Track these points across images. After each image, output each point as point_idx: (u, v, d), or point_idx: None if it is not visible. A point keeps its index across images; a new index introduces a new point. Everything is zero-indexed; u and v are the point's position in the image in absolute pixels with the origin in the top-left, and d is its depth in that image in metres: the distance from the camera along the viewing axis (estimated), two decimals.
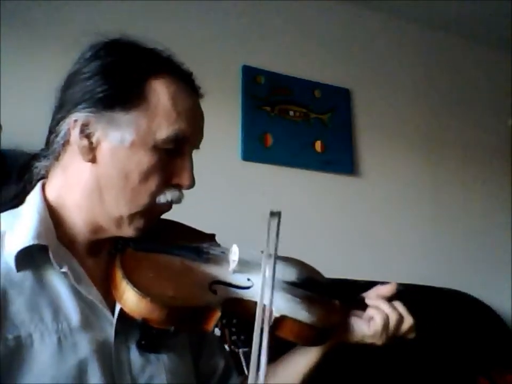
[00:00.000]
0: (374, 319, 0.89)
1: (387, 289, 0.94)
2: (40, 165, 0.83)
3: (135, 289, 0.73)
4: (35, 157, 0.84)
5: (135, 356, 0.76)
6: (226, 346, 1.27)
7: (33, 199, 0.80)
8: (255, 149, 2.28)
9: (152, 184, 0.78)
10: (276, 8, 2.49)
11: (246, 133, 2.28)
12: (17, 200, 0.82)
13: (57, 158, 0.81)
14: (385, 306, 0.89)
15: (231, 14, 2.39)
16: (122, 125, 0.76)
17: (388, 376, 1.93)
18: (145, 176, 0.77)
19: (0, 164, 1.06)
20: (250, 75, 2.35)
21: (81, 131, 0.76)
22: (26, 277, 0.72)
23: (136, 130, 0.76)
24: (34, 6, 1.97)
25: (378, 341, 0.89)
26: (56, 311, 0.71)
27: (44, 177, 0.83)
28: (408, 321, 0.90)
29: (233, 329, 1.73)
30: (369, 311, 0.90)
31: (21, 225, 0.75)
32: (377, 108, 2.63)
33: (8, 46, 1.87)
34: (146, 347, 0.76)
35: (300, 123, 2.41)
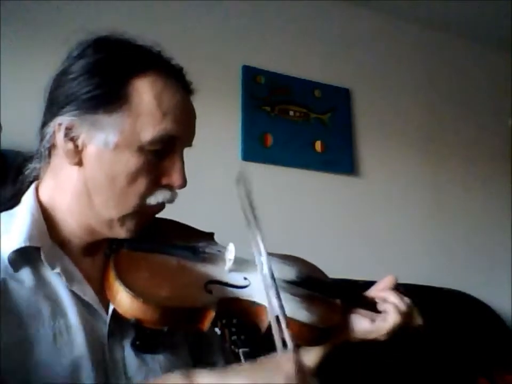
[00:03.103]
0: (388, 312, 0.88)
1: (388, 282, 0.94)
2: (32, 166, 0.83)
3: (128, 290, 0.72)
4: (29, 158, 0.84)
5: (130, 355, 0.76)
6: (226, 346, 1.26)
7: (27, 200, 0.80)
8: (255, 149, 2.28)
9: (140, 186, 0.77)
10: (276, 8, 2.49)
11: (246, 133, 2.28)
12: (14, 201, 0.82)
13: (47, 161, 0.80)
14: (395, 298, 0.89)
15: (231, 14, 2.39)
16: (106, 127, 0.75)
17: (388, 376, 1.93)
18: (133, 178, 0.76)
19: (0, 164, 1.06)
20: (250, 75, 2.35)
21: (66, 135, 0.75)
22: (26, 273, 0.72)
23: (120, 132, 0.75)
24: (34, 6, 1.98)
25: (382, 337, 0.89)
26: (54, 308, 0.72)
27: (38, 178, 0.83)
28: (409, 304, 0.90)
29: (233, 329, 1.74)
30: (381, 306, 0.90)
31: (15, 227, 0.75)
32: (377, 107, 2.63)
33: (8, 46, 1.87)
34: (141, 347, 0.76)
35: (299, 123, 2.41)
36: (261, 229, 0.71)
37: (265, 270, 0.69)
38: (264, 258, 0.70)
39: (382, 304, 0.90)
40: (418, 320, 0.91)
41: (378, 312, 0.91)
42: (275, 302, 0.67)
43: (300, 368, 0.59)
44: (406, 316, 0.89)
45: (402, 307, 0.89)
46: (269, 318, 0.65)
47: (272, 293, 0.68)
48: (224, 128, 2.26)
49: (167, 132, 0.77)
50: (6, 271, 0.71)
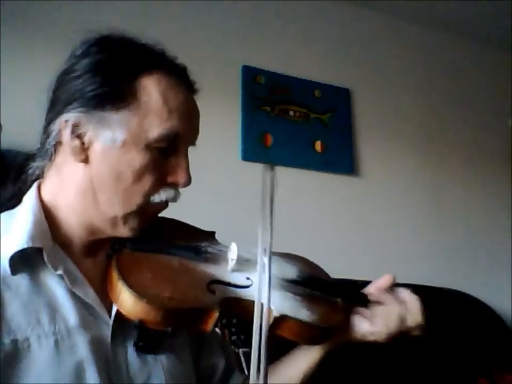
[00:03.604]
0: (379, 316, 0.88)
1: (386, 281, 0.93)
2: (35, 165, 0.82)
3: (131, 290, 0.72)
4: (31, 157, 0.83)
5: (132, 356, 0.75)
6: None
7: (29, 199, 0.79)
8: (255, 149, 2.28)
9: (146, 183, 0.77)
10: (276, 8, 2.49)
11: (246, 133, 2.28)
12: (14, 201, 0.81)
13: (51, 159, 0.80)
14: (413, 305, 0.88)
15: (231, 14, 2.39)
16: (113, 125, 0.75)
17: (388, 375, 1.93)
18: (138, 176, 0.76)
19: (0, 164, 1.06)
20: (250, 75, 2.35)
21: (72, 131, 0.75)
22: (22, 279, 0.71)
23: (127, 129, 0.75)
24: (34, 6, 1.98)
25: (382, 340, 0.89)
26: (53, 313, 0.71)
27: (40, 177, 0.83)
28: (415, 313, 0.89)
29: (233, 329, 1.74)
30: (375, 309, 0.89)
31: (16, 227, 0.75)
32: (377, 107, 2.63)
33: (8, 46, 1.87)
34: (144, 348, 0.75)
35: (299, 123, 2.41)
36: (272, 223, 0.71)
37: (265, 261, 0.68)
38: (268, 245, 0.69)
39: (392, 303, 0.90)
40: (416, 329, 0.90)
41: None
42: (265, 292, 0.67)
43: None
44: (410, 327, 0.88)
45: (412, 320, 0.88)
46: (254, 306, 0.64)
47: (264, 284, 0.67)
48: (224, 128, 2.26)
49: (173, 129, 0.77)
50: (1, 280, 0.70)
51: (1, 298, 0.68)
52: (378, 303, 0.90)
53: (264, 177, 0.75)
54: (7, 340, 0.66)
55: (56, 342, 0.69)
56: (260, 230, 0.67)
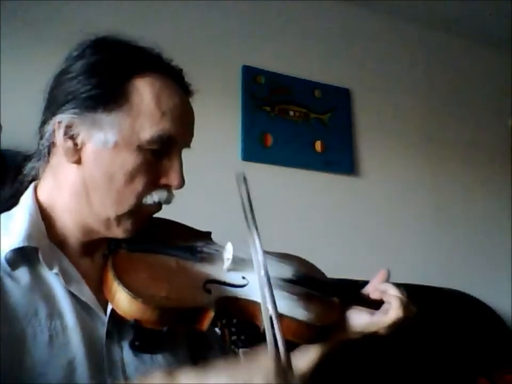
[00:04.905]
0: (391, 304, 0.87)
1: (381, 277, 0.94)
2: (32, 166, 0.83)
3: (127, 290, 0.72)
4: (28, 157, 0.84)
5: (128, 356, 0.75)
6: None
7: (26, 200, 0.80)
8: (255, 149, 2.28)
9: (138, 185, 0.77)
10: (276, 8, 2.49)
11: (246, 133, 2.28)
12: (12, 201, 0.82)
13: (46, 160, 0.80)
14: (395, 291, 0.89)
15: (231, 14, 2.39)
16: (105, 126, 0.75)
17: (389, 376, 1.93)
18: (130, 178, 0.76)
19: (0, 164, 1.06)
20: (250, 75, 2.35)
21: (65, 133, 0.76)
22: (23, 272, 0.73)
23: (119, 131, 0.75)
24: (34, 6, 1.98)
25: (383, 330, 0.88)
26: (50, 309, 0.71)
27: (36, 178, 0.83)
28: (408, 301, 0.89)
29: (233, 329, 1.74)
30: (384, 297, 0.90)
31: (13, 227, 0.75)
32: (377, 108, 2.63)
33: (8, 46, 1.87)
34: (140, 348, 0.76)
35: (299, 123, 2.41)
36: (257, 228, 0.71)
37: (261, 268, 0.69)
38: (260, 256, 0.70)
39: (383, 296, 0.90)
40: (413, 309, 0.91)
41: (376, 308, 0.91)
42: (269, 300, 0.67)
43: (283, 369, 0.59)
44: (407, 309, 0.88)
45: (404, 300, 0.88)
46: (261, 317, 0.65)
47: (266, 292, 0.68)
48: (224, 128, 2.26)
49: (166, 132, 0.77)
50: (2, 269, 0.71)
51: (6, 287, 0.69)
52: (384, 292, 0.90)
53: (239, 188, 0.77)
54: (4, 329, 0.66)
55: (51, 337, 0.69)
56: (249, 234, 0.67)
